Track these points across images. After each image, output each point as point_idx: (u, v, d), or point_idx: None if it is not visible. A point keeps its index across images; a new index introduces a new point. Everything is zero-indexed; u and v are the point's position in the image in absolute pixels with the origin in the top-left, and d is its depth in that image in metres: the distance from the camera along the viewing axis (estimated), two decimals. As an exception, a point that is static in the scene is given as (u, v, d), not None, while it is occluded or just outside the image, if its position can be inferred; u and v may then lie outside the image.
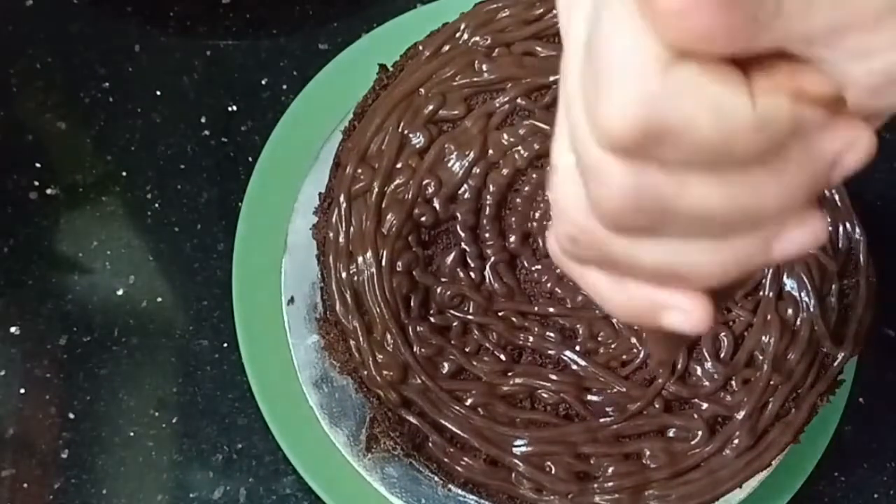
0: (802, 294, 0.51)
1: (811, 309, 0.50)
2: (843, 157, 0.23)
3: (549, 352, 0.50)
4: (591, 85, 0.22)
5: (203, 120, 0.62)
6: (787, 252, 0.24)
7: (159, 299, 0.58)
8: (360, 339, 0.49)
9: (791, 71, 0.22)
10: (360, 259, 0.50)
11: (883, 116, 0.24)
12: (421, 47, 0.53)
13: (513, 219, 0.52)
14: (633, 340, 0.50)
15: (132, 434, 0.56)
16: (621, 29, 0.21)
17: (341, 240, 0.51)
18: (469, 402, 0.49)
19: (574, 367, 0.50)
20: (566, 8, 0.25)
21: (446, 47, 0.53)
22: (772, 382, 0.49)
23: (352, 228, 0.51)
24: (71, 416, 0.56)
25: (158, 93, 0.62)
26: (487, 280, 0.51)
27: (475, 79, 0.52)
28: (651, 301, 0.26)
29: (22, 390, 0.56)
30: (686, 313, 0.26)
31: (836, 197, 0.53)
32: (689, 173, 0.22)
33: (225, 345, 0.57)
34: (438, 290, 0.50)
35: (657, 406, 0.49)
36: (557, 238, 0.27)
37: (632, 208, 0.23)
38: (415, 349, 0.49)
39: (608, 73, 0.22)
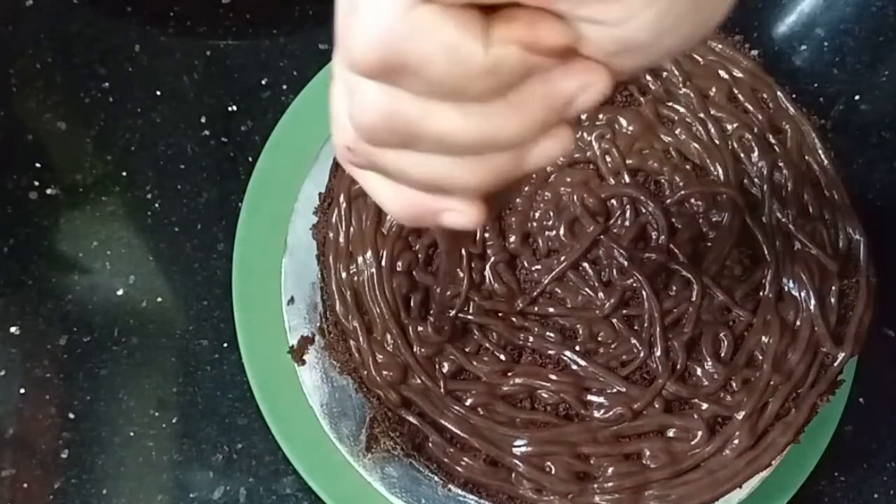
0: (802, 294, 0.51)
1: (811, 309, 0.50)
2: (578, 96, 0.25)
3: (549, 352, 0.50)
4: (346, 10, 0.24)
5: (203, 120, 0.62)
6: (538, 163, 0.27)
7: (159, 299, 0.58)
8: (360, 339, 0.49)
9: (530, 21, 0.23)
10: (360, 259, 0.50)
11: (625, 74, 0.26)
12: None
13: (513, 219, 0.52)
14: (634, 341, 0.50)
15: (132, 434, 0.56)
16: None
17: (341, 240, 0.51)
18: (469, 402, 0.49)
19: (574, 367, 0.50)
20: None
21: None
22: (772, 382, 0.49)
23: (352, 228, 0.51)
24: (71, 416, 0.56)
25: (158, 93, 0.62)
26: (487, 280, 0.51)
27: (475, 79, 0.52)
28: (426, 205, 0.28)
29: (22, 390, 0.56)
30: (460, 213, 0.28)
31: (837, 197, 0.53)
32: (432, 101, 0.24)
33: (225, 345, 0.57)
34: (439, 290, 0.50)
35: (657, 406, 0.49)
36: (336, 144, 0.28)
37: (383, 126, 0.25)
38: (415, 349, 0.49)
39: (359, 2, 0.23)
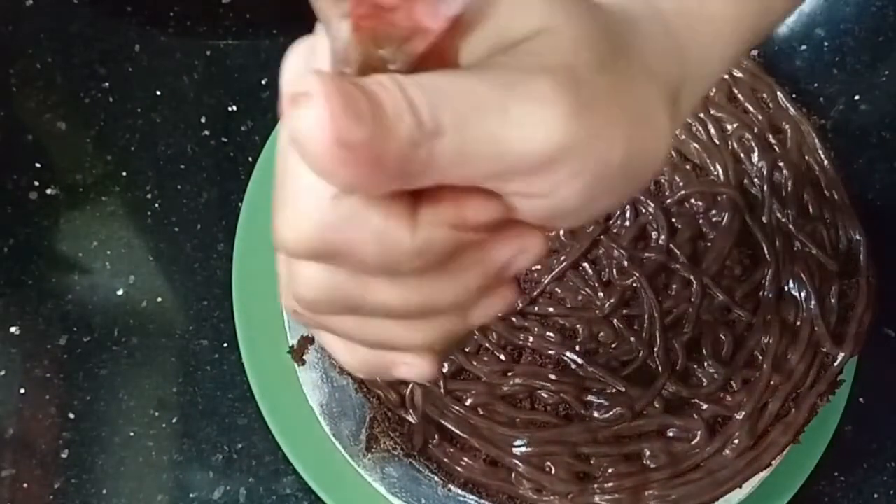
0: (802, 294, 0.51)
1: (811, 309, 0.50)
2: (514, 260, 0.26)
3: (549, 352, 0.50)
4: (275, 201, 0.24)
5: (203, 120, 0.62)
6: (482, 319, 0.27)
7: (159, 299, 0.58)
8: (360, 339, 0.49)
9: (457, 199, 0.23)
10: (360, 259, 0.50)
11: (558, 227, 0.25)
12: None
13: (513, 219, 0.52)
14: (634, 341, 0.50)
15: (132, 434, 0.56)
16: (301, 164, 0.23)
17: (341, 240, 0.51)
18: (469, 402, 0.49)
19: (574, 367, 0.50)
20: (286, 86, 0.27)
21: (446, 47, 0.53)
22: (772, 383, 0.49)
23: (352, 228, 0.51)
24: (71, 416, 0.56)
25: (158, 93, 0.62)
26: (487, 280, 0.51)
27: (475, 79, 0.52)
28: (378, 361, 0.28)
29: (22, 390, 0.56)
30: (411, 367, 0.28)
31: (837, 197, 0.53)
32: (369, 279, 0.25)
33: (225, 345, 0.57)
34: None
35: (657, 406, 0.49)
36: (287, 306, 0.29)
37: (323, 300, 0.26)
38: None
39: (287, 188, 0.24)
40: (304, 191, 0.23)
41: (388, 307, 0.25)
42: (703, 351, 0.50)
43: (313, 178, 0.23)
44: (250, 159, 0.60)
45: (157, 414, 0.56)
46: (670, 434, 0.49)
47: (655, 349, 0.50)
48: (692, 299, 0.50)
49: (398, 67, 0.22)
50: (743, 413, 0.49)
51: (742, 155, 0.53)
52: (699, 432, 0.48)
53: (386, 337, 0.27)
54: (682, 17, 0.27)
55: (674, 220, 0.52)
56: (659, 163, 0.25)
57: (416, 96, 0.21)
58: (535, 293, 0.51)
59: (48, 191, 0.60)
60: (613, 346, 0.50)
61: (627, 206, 0.52)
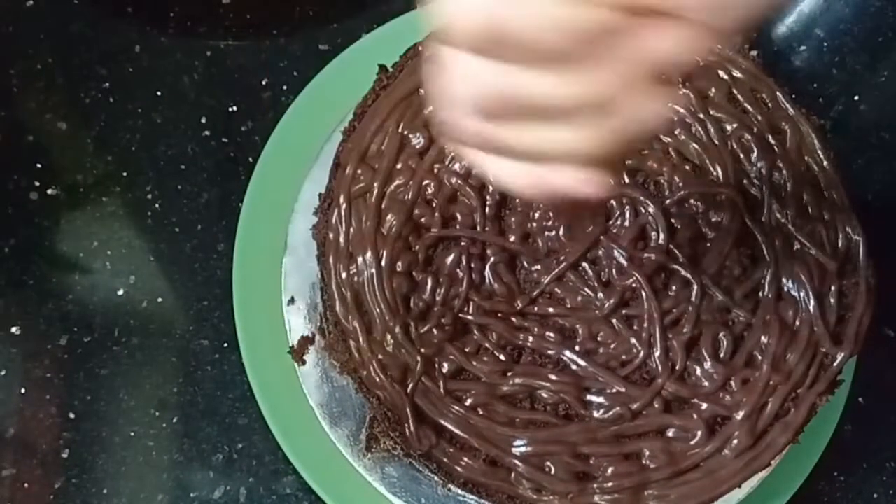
0: (802, 294, 0.51)
1: (811, 309, 0.50)
2: (667, 52, 0.26)
3: (549, 352, 0.50)
4: None
5: (203, 120, 0.62)
6: (643, 123, 0.28)
7: (159, 299, 0.58)
8: (360, 339, 0.49)
9: None
10: (360, 259, 0.50)
11: (723, 31, 0.27)
12: (421, 47, 0.54)
13: (513, 219, 0.52)
14: (633, 341, 0.50)
15: (132, 434, 0.56)
16: None
17: (341, 240, 0.51)
18: (469, 402, 0.49)
19: (574, 367, 0.50)
20: None
21: (446, 48, 0.53)
22: (771, 382, 0.49)
23: (352, 229, 0.51)
24: (71, 416, 0.56)
25: (158, 93, 0.62)
26: (487, 280, 0.51)
27: (475, 79, 0.52)
28: (546, 176, 0.29)
29: (22, 390, 0.56)
30: (578, 180, 0.29)
31: (836, 197, 0.53)
32: (530, 69, 0.26)
33: (225, 345, 0.57)
34: (439, 290, 0.50)
35: (657, 406, 0.49)
36: (447, 127, 0.30)
37: (487, 98, 0.27)
38: (415, 349, 0.49)
39: None
40: None
41: (548, 99, 0.26)
42: (703, 351, 0.50)
43: None
44: (250, 159, 0.60)
45: (157, 414, 0.56)
46: (669, 434, 0.49)
47: (655, 349, 0.50)
48: (692, 299, 0.50)
49: None
50: (742, 413, 0.49)
51: (742, 155, 0.53)
52: (698, 432, 0.48)
53: (548, 143, 0.28)
54: None
55: (674, 220, 0.52)
56: None
57: None
58: (535, 293, 0.51)
59: (49, 191, 0.60)
60: (613, 346, 0.50)
61: (627, 207, 0.52)
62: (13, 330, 0.57)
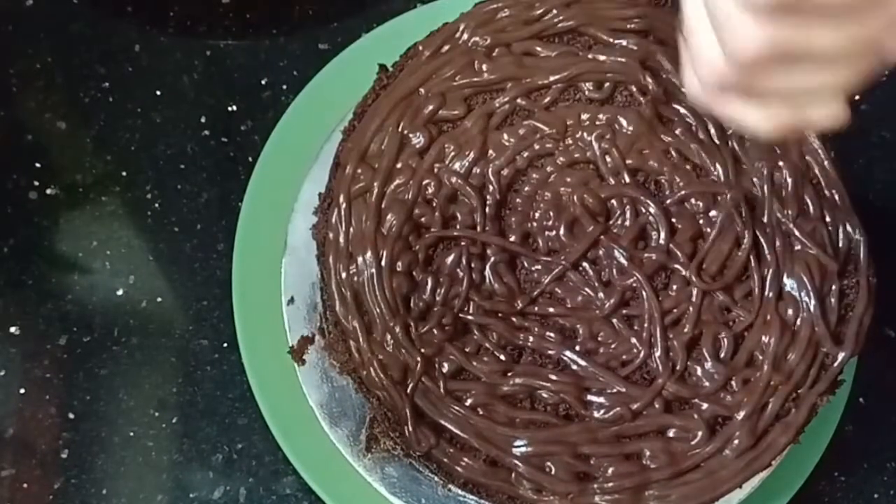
0: (802, 294, 0.51)
1: (811, 309, 0.50)
2: None
3: (549, 352, 0.50)
4: None
5: (203, 120, 0.62)
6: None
7: (159, 299, 0.58)
8: (360, 339, 0.49)
9: None
10: (359, 259, 0.50)
11: None
12: (421, 47, 0.53)
13: (513, 219, 0.52)
14: (634, 341, 0.50)
15: (132, 434, 0.56)
16: None
17: (341, 240, 0.51)
18: (469, 402, 0.49)
19: (574, 367, 0.50)
20: None
21: (446, 47, 0.53)
22: (772, 383, 0.49)
23: (352, 229, 0.51)
24: (71, 416, 0.56)
25: (158, 93, 0.62)
26: (487, 280, 0.51)
27: (475, 79, 0.52)
28: (796, 116, 0.31)
29: (22, 390, 0.56)
30: (829, 115, 0.31)
31: (836, 197, 0.53)
32: (813, 24, 0.27)
33: (225, 345, 0.57)
34: (439, 290, 0.50)
35: (657, 406, 0.49)
36: (700, 79, 0.31)
37: (766, 56, 0.28)
38: (415, 349, 0.49)
39: None
40: None
41: (827, 50, 0.28)
42: (703, 351, 0.50)
43: None
44: (250, 159, 0.60)
45: (157, 414, 0.56)
46: (670, 434, 0.49)
47: (655, 349, 0.50)
48: (692, 299, 0.50)
49: None
50: (743, 413, 0.49)
51: (742, 155, 0.53)
52: (699, 432, 0.48)
53: (810, 83, 0.30)
54: None
55: (674, 219, 0.52)
56: None
57: None
58: (536, 293, 0.51)
59: (48, 191, 0.60)
60: (613, 346, 0.50)
61: (627, 206, 0.52)
62: (12, 330, 0.57)
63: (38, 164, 0.60)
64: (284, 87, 0.63)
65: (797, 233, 0.52)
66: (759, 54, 0.28)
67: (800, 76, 0.29)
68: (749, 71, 0.29)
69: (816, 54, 0.28)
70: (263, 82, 0.63)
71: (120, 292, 0.58)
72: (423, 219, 0.51)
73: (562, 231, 0.52)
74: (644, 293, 0.50)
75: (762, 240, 0.51)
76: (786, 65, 0.29)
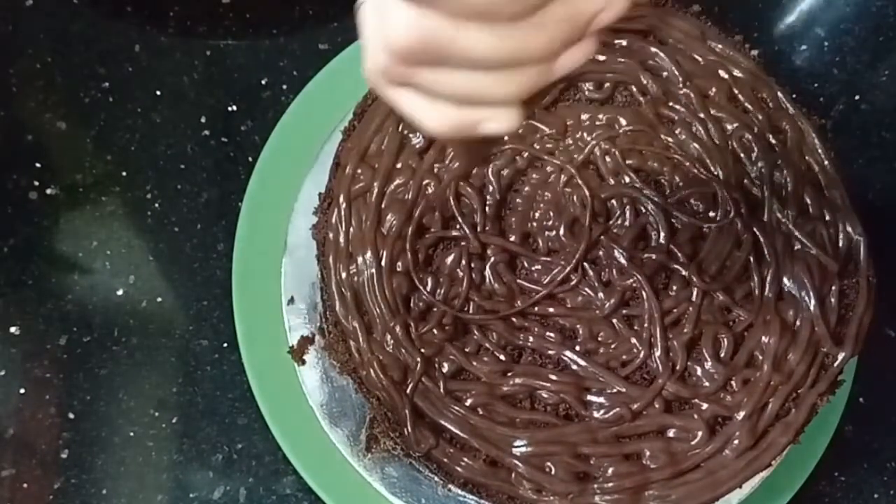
0: (802, 294, 0.51)
1: (811, 309, 0.50)
2: (600, 14, 0.28)
3: (549, 352, 0.50)
4: None
5: (203, 120, 0.62)
6: (565, 70, 0.29)
7: (159, 299, 0.58)
8: (360, 339, 0.49)
9: None
10: (359, 259, 0.50)
11: None
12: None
13: (513, 219, 0.52)
14: (634, 341, 0.50)
15: (132, 434, 0.56)
16: None
17: (341, 240, 0.51)
18: (469, 402, 0.49)
19: (574, 367, 0.50)
20: None
21: (446, 47, 0.53)
22: (772, 383, 0.49)
23: (352, 229, 0.51)
24: (71, 416, 0.56)
25: (158, 93, 0.62)
26: (487, 280, 0.51)
27: (475, 79, 0.52)
28: (463, 117, 0.30)
29: (22, 390, 0.56)
30: (497, 121, 0.30)
31: (836, 197, 0.53)
32: (463, 22, 0.26)
33: (225, 345, 0.57)
34: (439, 290, 0.50)
35: (657, 406, 0.49)
36: (370, 66, 0.30)
37: (417, 47, 0.27)
38: (415, 349, 0.49)
39: None
40: None
41: (479, 53, 0.27)
42: (703, 351, 0.50)
43: None
44: (250, 159, 0.60)
45: (157, 414, 0.56)
46: (670, 434, 0.49)
47: (655, 349, 0.50)
48: (692, 299, 0.50)
49: None
50: (743, 413, 0.49)
51: (742, 155, 0.53)
52: (699, 432, 0.48)
53: (473, 88, 0.29)
54: None
55: (674, 220, 0.52)
56: None
57: None
58: (537, 296, 0.51)
59: (48, 191, 0.60)
60: (613, 346, 0.50)
61: (627, 207, 0.52)
62: (12, 330, 0.57)
63: (38, 164, 0.60)
64: (284, 87, 0.63)
65: (797, 233, 0.52)
66: (408, 46, 0.27)
67: (459, 78, 0.28)
68: (403, 63, 0.28)
69: (470, 57, 0.27)
70: (263, 82, 0.63)
71: (120, 292, 0.58)
72: (423, 219, 0.51)
73: (562, 231, 0.52)
74: (644, 293, 0.50)
75: (762, 240, 0.51)
76: (441, 64, 0.28)
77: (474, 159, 0.49)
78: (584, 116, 0.53)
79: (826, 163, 0.53)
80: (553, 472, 0.48)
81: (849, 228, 0.52)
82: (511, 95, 0.29)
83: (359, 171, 0.51)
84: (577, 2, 0.27)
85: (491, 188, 0.52)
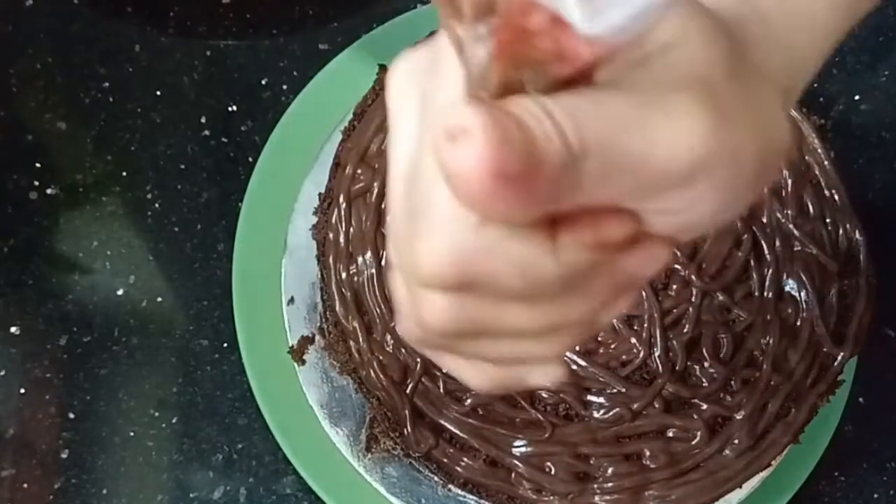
0: (802, 294, 0.51)
1: (811, 309, 0.50)
2: (641, 271, 0.25)
3: (549, 352, 0.50)
4: (409, 220, 0.24)
5: (203, 120, 0.62)
6: (607, 322, 0.29)
7: (159, 299, 0.58)
8: (360, 339, 0.49)
9: (594, 219, 0.23)
10: (360, 259, 0.50)
11: (685, 239, 0.26)
12: (421, 47, 0.53)
13: (513, 219, 0.52)
14: (633, 341, 0.50)
15: (132, 434, 0.56)
16: (441, 180, 0.22)
17: (341, 240, 0.51)
18: (469, 402, 0.49)
19: (574, 367, 0.50)
20: (396, 103, 0.26)
21: (446, 47, 0.53)
22: (772, 382, 0.49)
23: (352, 229, 0.51)
24: (71, 416, 0.56)
25: (158, 93, 0.62)
26: (487, 280, 0.51)
27: (475, 79, 0.52)
28: (509, 376, 0.28)
29: (22, 390, 0.56)
30: (543, 376, 0.28)
31: (837, 197, 0.53)
32: (503, 305, 0.24)
33: (225, 345, 0.57)
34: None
35: (657, 406, 0.49)
36: (404, 333, 0.28)
37: (452, 330, 0.25)
38: (415, 350, 0.49)
39: (426, 217, 0.23)
40: (445, 220, 0.23)
41: (522, 329, 0.25)
42: (703, 351, 0.50)
43: (455, 207, 0.22)
44: (250, 159, 0.60)
45: (157, 414, 0.56)
46: (670, 434, 0.49)
47: (655, 349, 0.50)
48: (692, 299, 0.50)
49: (537, 88, 0.21)
50: (743, 413, 0.49)
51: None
52: (699, 432, 0.48)
53: (516, 354, 0.27)
54: (783, 16, 0.27)
55: (674, 220, 0.52)
56: (782, 162, 0.26)
57: (562, 119, 0.21)
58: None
59: (48, 191, 0.60)
60: (613, 345, 0.50)
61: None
62: (13, 330, 0.57)
63: (38, 164, 0.60)
64: (284, 87, 0.62)
65: (797, 233, 0.52)
66: (444, 329, 0.25)
67: (501, 346, 0.27)
68: (441, 339, 0.27)
69: (510, 332, 0.26)
70: (263, 82, 0.63)
71: (120, 292, 0.58)
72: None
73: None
74: (644, 293, 0.50)
75: (762, 240, 0.51)
76: (481, 337, 0.26)
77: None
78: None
79: (826, 163, 0.53)
80: (553, 472, 0.48)
81: (849, 228, 0.52)
82: (552, 354, 0.27)
83: (359, 171, 0.51)
84: (618, 264, 0.25)
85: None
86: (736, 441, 0.48)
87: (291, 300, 0.54)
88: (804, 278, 0.51)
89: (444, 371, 0.29)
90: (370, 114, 0.53)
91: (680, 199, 0.23)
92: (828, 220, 0.52)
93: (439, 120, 0.21)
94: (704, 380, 0.50)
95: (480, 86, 0.21)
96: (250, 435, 0.56)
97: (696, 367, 0.50)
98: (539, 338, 0.26)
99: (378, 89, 0.53)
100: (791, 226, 0.52)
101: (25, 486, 0.55)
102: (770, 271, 0.51)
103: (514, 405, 0.49)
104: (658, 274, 0.26)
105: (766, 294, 0.51)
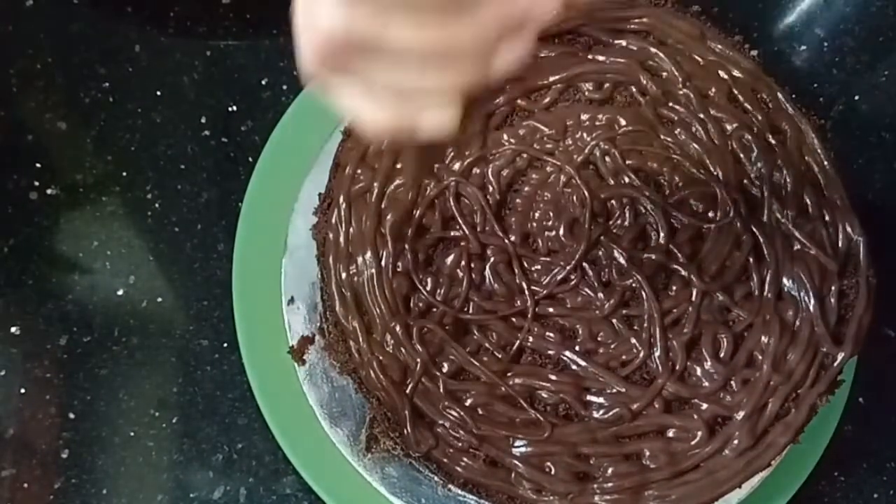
0: (802, 294, 0.51)
1: (811, 309, 0.50)
2: (532, 10, 0.27)
3: (549, 352, 0.50)
4: None
5: (203, 120, 0.62)
6: (501, 69, 0.29)
7: (159, 299, 0.58)
8: (360, 339, 0.49)
9: None
10: (359, 259, 0.50)
11: None
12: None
13: (513, 219, 0.52)
14: (633, 341, 0.50)
15: (132, 434, 0.56)
16: None
17: (341, 240, 0.51)
18: (469, 402, 0.49)
19: (574, 367, 0.50)
20: None
21: (446, 47, 0.53)
22: (771, 382, 0.49)
23: (352, 229, 0.51)
24: (71, 416, 0.56)
25: (158, 93, 0.62)
26: (487, 280, 0.51)
27: (475, 79, 0.52)
28: (403, 111, 0.29)
29: (22, 390, 0.56)
30: (436, 115, 0.29)
31: (836, 197, 0.53)
32: (391, 16, 0.26)
33: (225, 345, 0.57)
34: (439, 290, 0.50)
35: (657, 406, 0.49)
36: (306, 57, 0.30)
37: (344, 38, 0.27)
38: (415, 350, 0.49)
39: None
40: None
41: (408, 45, 0.27)
42: (703, 351, 0.50)
43: None
44: (250, 159, 0.60)
45: (157, 414, 0.56)
46: (670, 434, 0.49)
47: (655, 349, 0.50)
48: (692, 299, 0.50)
49: None
50: (742, 413, 0.49)
51: (742, 155, 0.53)
52: (699, 432, 0.48)
53: (406, 80, 0.28)
54: None
55: (674, 220, 0.52)
56: None
57: None
58: (538, 297, 0.51)
59: (48, 191, 0.60)
60: (613, 346, 0.50)
61: (627, 207, 0.52)
62: (13, 330, 0.57)
63: (38, 164, 0.60)
64: (284, 87, 0.63)
65: (797, 233, 0.52)
66: (333, 37, 0.27)
67: (394, 74, 0.28)
68: (333, 52, 0.28)
69: (398, 48, 0.27)
70: (263, 82, 0.63)
71: (120, 292, 0.58)
72: (423, 219, 0.51)
73: (562, 231, 0.52)
74: (644, 293, 0.50)
75: (762, 240, 0.51)
76: (372, 55, 0.27)
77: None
78: (584, 117, 0.53)
79: (826, 163, 0.53)
80: (553, 472, 0.48)
81: (848, 228, 0.52)
82: (446, 88, 0.29)
83: (359, 171, 0.51)
84: None
85: (491, 188, 0.52)
86: (736, 441, 0.48)
87: (291, 300, 0.54)
88: (804, 278, 0.51)
89: (352, 120, 0.30)
90: (370, 114, 0.53)
91: None
92: (828, 220, 0.52)
93: None
94: (704, 380, 0.50)
95: None
96: (250, 435, 0.56)
97: (696, 367, 0.50)
98: (430, 66, 0.28)
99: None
100: (791, 226, 0.52)
101: (25, 486, 0.55)
102: (770, 271, 0.51)
103: (514, 405, 0.49)
104: (550, 22, 0.28)
105: (765, 294, 0.51)
